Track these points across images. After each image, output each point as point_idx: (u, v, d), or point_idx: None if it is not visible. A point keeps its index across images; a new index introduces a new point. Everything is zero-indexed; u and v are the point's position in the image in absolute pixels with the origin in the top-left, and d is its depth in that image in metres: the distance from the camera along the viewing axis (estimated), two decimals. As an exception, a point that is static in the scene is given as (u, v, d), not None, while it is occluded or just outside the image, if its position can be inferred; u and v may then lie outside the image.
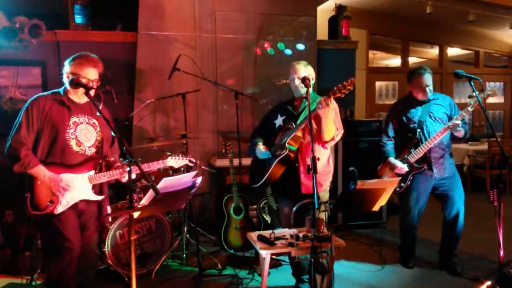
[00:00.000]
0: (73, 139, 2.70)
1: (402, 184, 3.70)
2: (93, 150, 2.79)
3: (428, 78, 3.64)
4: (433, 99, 3.72)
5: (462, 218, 3.72)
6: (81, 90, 2.67)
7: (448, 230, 3.79)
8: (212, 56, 5.31)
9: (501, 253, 3.03)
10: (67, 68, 2.73)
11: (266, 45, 5.54)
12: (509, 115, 8.82)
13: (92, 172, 2.75)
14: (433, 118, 3.67)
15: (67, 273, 2.68)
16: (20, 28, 4.44)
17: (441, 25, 7.83)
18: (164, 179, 2.39)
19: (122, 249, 3.67)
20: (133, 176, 2.66)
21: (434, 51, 8.72)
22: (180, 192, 2.56)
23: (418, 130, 3.66)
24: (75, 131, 2.72)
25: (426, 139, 3.63)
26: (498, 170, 6.42)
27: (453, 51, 8.66)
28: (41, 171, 2.60)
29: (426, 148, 3.61)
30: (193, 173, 2.65)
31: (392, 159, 3.77)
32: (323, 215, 2.58)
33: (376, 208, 2.76)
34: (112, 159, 2.90)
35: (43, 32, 4.50)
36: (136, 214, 2.35)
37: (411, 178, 3.70)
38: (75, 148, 2.71)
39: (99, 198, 2.81)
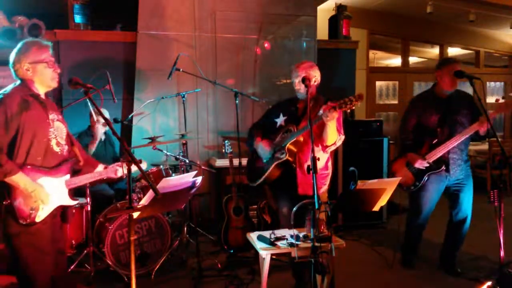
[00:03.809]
0: (53, 138, 2.47)
1: (417, 183, 3.60)
2: (67, 148, 2.58)
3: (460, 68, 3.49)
4: (456, 96, 3.60)
5: (469, 223, 3.67)
6: (46, 79, 2.46)
7: (452, 231, 3.75)
8: (212, 56, 5.31)
9: (502, 253, 3.03)
10: (24, 59, 2.42)
11: (266, 45, 5.53)
12: (510, 115, 8.81)
13: (68, 176, 2.55)
14: (455, 118, 3.54)
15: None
16: (20, 27, 4.45)
17: (441, 25, 7.83)
18: (164, 179, 2.38)
19: (122, 249, 3.66)
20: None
21: (435, 51, 8.72)
22: (180, 192, 2.55)
23: (439, 129, 3.54)
24: (54, 129, 2.49)
25: (446, 139, 3.49)
26: (498, 170, 6.42)
27: (453, 51, 8.65)
28: (23, 179, 2.32)
29: (446, 149, 3.49)
30: (193, 173, 2.64)
31: (413, 154, 3.62)
32: (323, 216, 2.58)
33: (376, 208, 2.75)
34: (82, 163, 2.67)
35: (43, 32, 4.51)
36: (135, 214, 2.35)
37: (426, 178, 3.58)
38: (55, 148, 2.48)
39: (75, 203, 2.62)
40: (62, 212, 2.64)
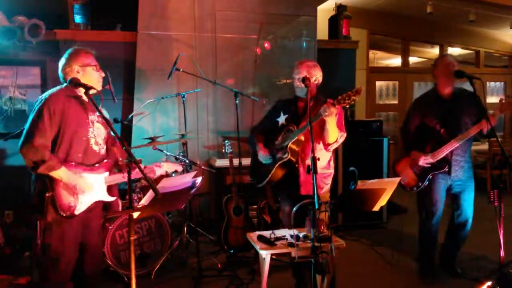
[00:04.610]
0: (92, 138, 2.66)
1: (420, 184, 3.54)
2: (105, 148, 2.78)
3: (455, 63, 3.44)
4: (460, 95, 3.53)
5: (469, 226, 3.64)
6: (93, 81, 2.66)
7: (453, 233, 3.71)
8: (212, 56, 5.31)
9: (502, 253, 3.03)
10: (75, 63, 2.64)
11: (266, 45, 5.53)
12: (510, 115, 8.81)
13: (107, 173, 2.72)
14: (459, 118, 3.48)
15: (64, 279, 2.64)
16: (20, 28, 4.44)
17: (441, 25, 7.82)
18: (164, 179, 2.39)
19: (122, 249, 3.66)
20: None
21: (435, 51, 8.72)
22: (180, 192, 2.56)
23: (442, 129, 3.49)
24: (94, 129, 2.68)
25: (450, 139, 3.43)
26: (498, 170, 6.41)
27: (453, 51, 8.65)
28: (66, 173, 2.50)
29: (449, 149, 3.43)
30: (193, 173, 2.64)
31: (416, 152, 3.54)
32: (323, 216, 2.58)
33: (376, 208, 2.75)
34: (120, 159, 2.87)
35: (43, 32, 4.50)
36: (135, 214, 2.35)
37: (430, 177, 3.52)
38: (94, 147, 2.67)
39: (113, 199, 2.77)
40: (104, 206, 2.82)
